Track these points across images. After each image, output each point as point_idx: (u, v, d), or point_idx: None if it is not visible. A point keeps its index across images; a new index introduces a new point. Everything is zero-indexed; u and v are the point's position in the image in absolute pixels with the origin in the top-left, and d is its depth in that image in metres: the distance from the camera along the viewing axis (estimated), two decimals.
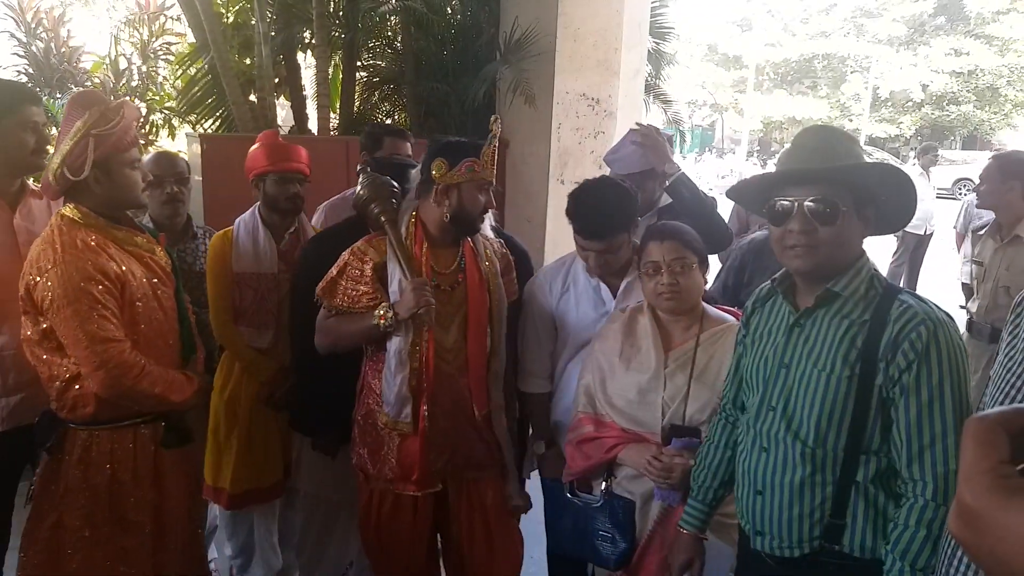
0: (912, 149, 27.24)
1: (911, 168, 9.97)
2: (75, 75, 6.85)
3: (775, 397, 1.63)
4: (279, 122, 5.85)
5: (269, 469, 2.77)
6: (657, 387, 2.05)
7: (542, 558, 2.59)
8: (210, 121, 5.79)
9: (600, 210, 2.22)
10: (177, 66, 6.79)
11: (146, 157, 2.89)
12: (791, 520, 1.59)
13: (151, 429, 2.09)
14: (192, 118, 5.96)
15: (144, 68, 7.05)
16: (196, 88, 5.78)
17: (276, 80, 5.64)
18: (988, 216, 3.96)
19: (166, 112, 6.95)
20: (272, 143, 2.74)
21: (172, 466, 2.14)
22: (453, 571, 2.43)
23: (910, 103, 30.41)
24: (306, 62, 6.41)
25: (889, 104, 31.04)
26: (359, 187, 2.32)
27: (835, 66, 32.60)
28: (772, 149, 33.46)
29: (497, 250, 2.37)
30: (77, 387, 1.95)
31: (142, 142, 6.36)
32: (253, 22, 5.42)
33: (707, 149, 33.60)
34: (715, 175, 22.12)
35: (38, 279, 1.89)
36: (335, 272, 2.20)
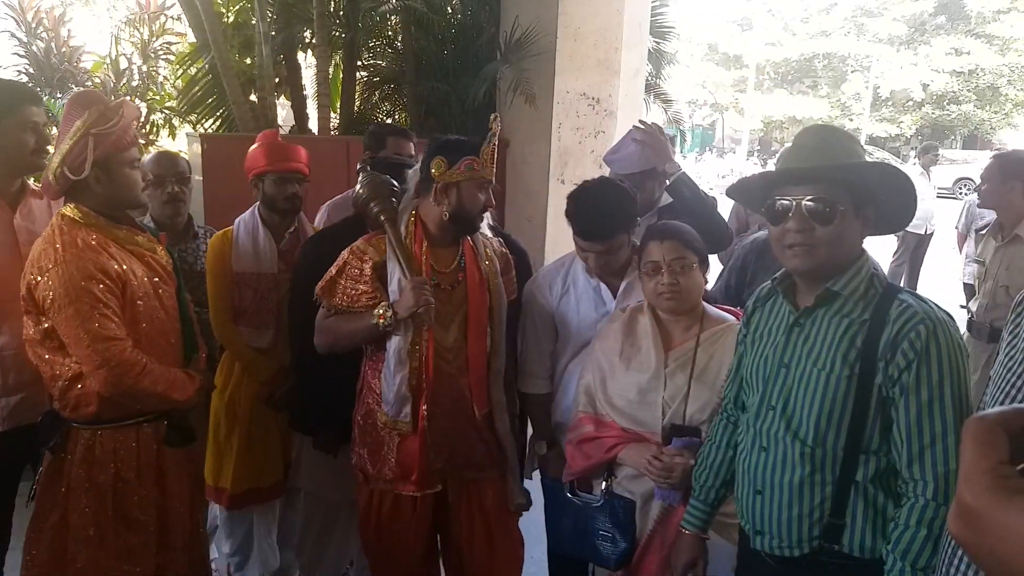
0: (912, 148, 27.22)
1: (911, 168, 9.97)
2: (76, 75, 6.84)
3: (775, 396, 1.63)
4: (279, 122, 5.85)
5: (269, 469, 2.78)
6: (657, 387, 2.05)
7: (542, 558, 2.59)
8: (210, 121, 5.79)
9: (599, 211, 2.22)
10: (177, 66, 6.78)
11: (147, 157, 2.90)
12: (791, 520, 1.59)
13: (154, 428, 2.09)
14: (192, 118, 5.96)
15: (144, 68, 7.05)
16: (196, 88, 5.78)
17: (276, 80, 5.64)
18: (991, 216, 3.96)
19: (166, 112, 6.95)
20: (271, 143, 2.74)
21: (175, 465, 2.15)
22: (453, 572, 2.43)
23: (911, 102, 30.41)
24: (306, 62, 6.41)
25: (890, 103, 31.04)
26: (359, 186, 2.32)
27: (836, 65, 32.59)
28: (772, 149, 33.44)
29: (497, 249, 2.37)
30: (79, 386, 1.96)
31: (142, 142, 6.36)
32: (253, 22, 5.42)
33: (707, 149, 33.58)
34: (715, 175, 22.12)
35: (39, 278, 1.90)
36: (334, 271, 2.19)
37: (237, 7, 5.92)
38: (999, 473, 0.52)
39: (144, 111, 6.68)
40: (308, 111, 6.11)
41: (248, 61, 5.73)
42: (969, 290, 4.51)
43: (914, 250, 8.20)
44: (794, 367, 1.60)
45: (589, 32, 4.70)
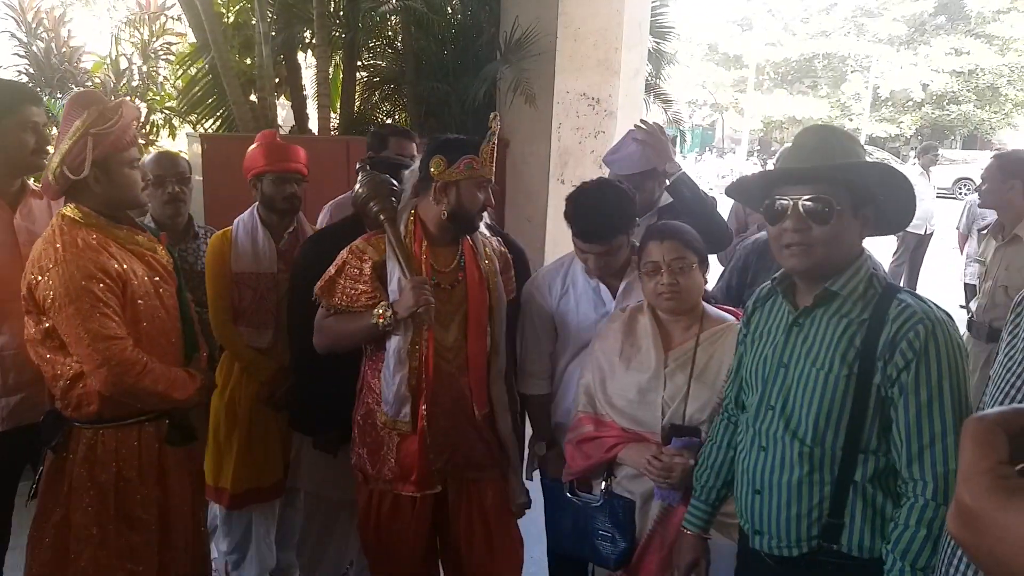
0: (912, 149, 27.23)
1: (911, 168, 9.98)
2: (76, 75, 6.84)
3: (774, 396, 1.63)
4: (280, 122, 5.84)
5: (269, 469, 2.78)
6: (657, 387, 2.05)
7: (542, 558, 2.59)
8: (210, 121, 5.79)
9: (598, 212, 2.21)
10: (178, 66, 6.78)
11: (147, 157, 2.90)
12: (789, 519, 1.59)
13: (155, 427, 2.10)
14: (192, 118, 5.96)
15: (145, 68, 7.04)
16: (197, 88, 5.78)
17: (276, 80, 5.64)
18: (993, 216, 3.97)
19: (167, 112, 6.94)
20: (270, 143, 2.74)
21: (176, 464, 2.15)
22: (452, 572, 2.42)
23: (910, 102, 30.41)
24: (306, 62, 6.41)
25: (889, 104, 31.04)
26: (358, 185, 2.31)
27: (835, 65, 32.59)
28: (772, 149, 33.41)
29: (496, 248, 2.36)
30: (81, 386, 1.96)
31: (142, 142, 6.36)
32: (253, 22, 5.42)
33: (707, 149, 33.58)
34: (715, 175, 22.12)
35: (40, 278, 1.90)
36: (333, 271, 2.19)
37: (237, 7, 5.92)
38: (998, 473, 0.52)
39: (144, 111, 6.68)
40: (308, 111, 6.11)
41: (248, 61, 5.73)
42: (970, 290, 4.52)
43: (914, 250, 8.21)
44: (793, 367, 1.60)
45: (589, 32, 4.70)
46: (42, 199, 2.36)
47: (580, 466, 2.17)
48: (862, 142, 1.73)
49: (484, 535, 2.32)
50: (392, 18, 6.07)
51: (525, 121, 4.84)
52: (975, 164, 20.67)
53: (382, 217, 2.19)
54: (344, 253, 2.20)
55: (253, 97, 5.47)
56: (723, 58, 34.19)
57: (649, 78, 6.08)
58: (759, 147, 35.78)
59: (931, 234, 8.22)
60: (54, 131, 2.51)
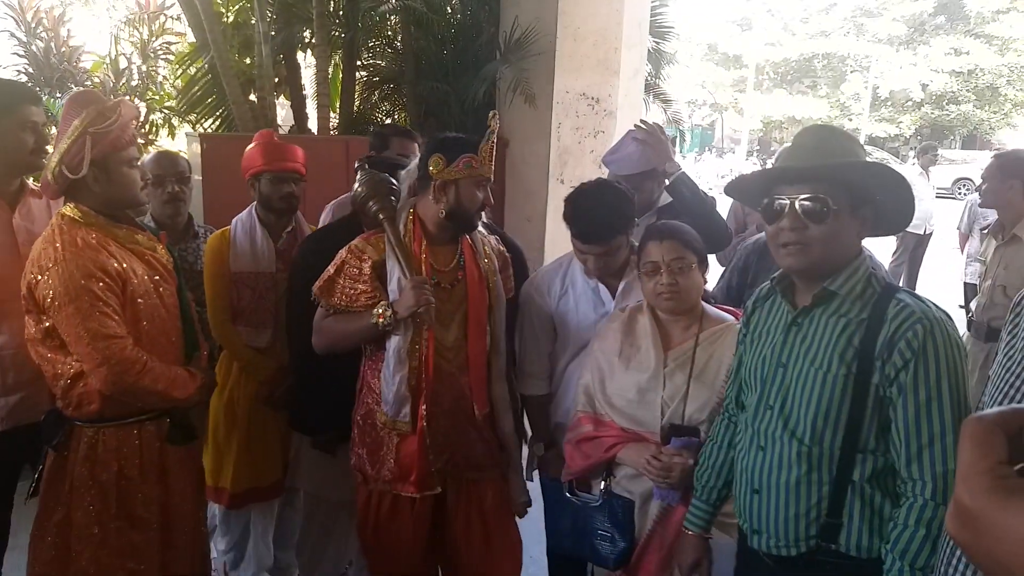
0: (912, 149, 27.26)
1: (911, 168, 9.98)
2: (75, 75, 6.83)
3: (773, 396, 1.63)
4: (279, 121, 5.85)
5: (268, 468, 2.78)
6: (656, 386, 2.05)
7: (542, 557, 2.59)
8: (210, 121, 5.79)
9: (597, 213, 2.21)
10: (177, 65, 6.78)
11: (147, 156, 2.91)
12: (787, 519, 1.59)
13: (156, 425, 2.10)
14: (192, 118, 5.96)
15: (144, 68, 7.04)
16: (196, 88, 5.78)
17: (276, 80, 5.64)
18: (996, 215, 3.98)
19: (166, 112, 6.95)
20: (267, 142, 2.74)
21: (177, 462, 2.15)
22: (450, 573, 2.42)
23: (910, 103, 30.42)
24: (306, 61, 6.41)
25: (889, 104, 31.05)
26: (357, 185, 2.30)
27: (835, 65, 32.60)
28: (772, 149, 33.41)
29: (494, 247, 2.36)
30: (82, 385, 1.96)
31: (141, 142, 6.36)
32: (253, 21, 5.42)
33: (707, 149, 33.60)
34: (715, 175, 22.12)
35: (39, 277, 1.90)
36: (332, 271, 2.17)
37: (237, 7, 5.92)
38: (997, 474, 0.52)
39: (143, 111, 6.68)
40: (308, 111, 6.11)
41: (248, 61, 5.73)
42: (971, 289, 4.52)
43: (913, 250, 8.21)
44: (792, 366, 1.60)
45: (589, 32, 4.70)
46: (41, 199, 2.36)
47: (579, 466, 2.17)
48: (861, 142, 1.73)
49: (483, 535, 2.31)
50: (392, 18, 6.08)
51: (525, 121, 4.85)
52: (974, 164, 20.68)
53: (381, 216, 2.18)
54: (343, 253, 2.18)
55: (252, 97, 5.47)
56: (723, 58, 34.19)
57: (649, 78, 6.08)
58: (758, 147, 35.80)
59: (930, 234, 8.23)
60: (53, 131, 2.51)
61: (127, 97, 6.36)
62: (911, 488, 1.46)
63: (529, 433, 2.57)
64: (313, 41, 5.67)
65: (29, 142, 2.26)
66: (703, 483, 1.89)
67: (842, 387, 1.52)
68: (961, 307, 5.87)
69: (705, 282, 2.14)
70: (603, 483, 2.15)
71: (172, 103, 6.87)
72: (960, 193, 20.84)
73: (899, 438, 1.47)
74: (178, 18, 6.91)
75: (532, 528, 2.54)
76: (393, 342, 2.13)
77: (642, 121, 2.88)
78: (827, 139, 1.62)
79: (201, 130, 5.75)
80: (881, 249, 3.76)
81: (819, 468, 1.55)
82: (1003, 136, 30.56)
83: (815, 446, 1.55)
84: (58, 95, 6.12)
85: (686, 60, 28.05)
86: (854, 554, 1.54)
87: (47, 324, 1.94)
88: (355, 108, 6.01)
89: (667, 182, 2.75)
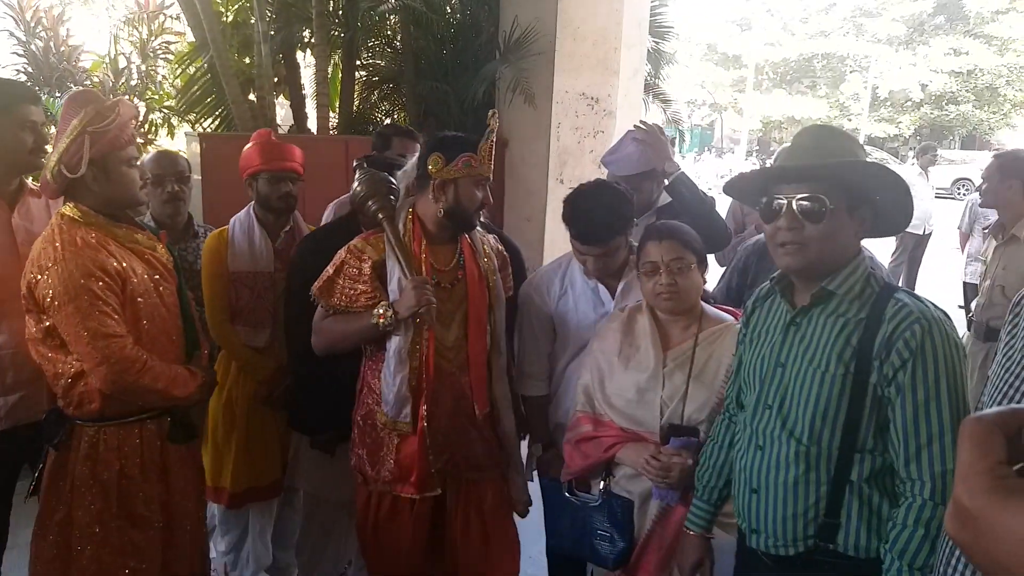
0: (911, 149, 27.27)
1: (910, 168, 9.97)
2: (74, 74, 6.82)
3: (771, 395, 1.63)
4: (278, 121, 5.85)
5: (268, 468, 2.78)
6: (656, 386, 2.05)
7: (541, 558, 2.59)
8: (209, 120, 5.79)
9: (596, 214, 2.21)
10: (176, 65, 6.78)
11: (147, 156, 2.90)
12: (785, 518, 1.59)
13: (157, 424, 2.10)
14: (191, 117, 5.96)
15: (143, 67, 7.04)
16: (195, 87, 5.78)
17: (275, 79, 5.64)
18: (996, 215, 3.99)
19: (165, 111, 6.94)
20: (265, 142, 2.73)
21: (178, 461, 2.15)
22: (448, 573, 2.41)
23: (909, 103, 30.43)
24: (305, 61, 6.41)
25: (888, 104, 31.06)
26: (356, 184, 2.29)
27: (834, 66, 32.61)
28: (771, 149, 33.41)
29: (493, 246, 2.36)
30: (82, 384, 1.96)
31: (141, 141, 6.35)
32: (252, 21, 5.42)
33: (706, 149, 33.59)
34: (714, 175, 22.11)
35: (39, 277, 1.90)
36: (332, 271, 2.16)
37: (236, 6, 5.92)
38: (996, 474, 0.52)
39: (143, 110, 6.67)
40: (307, 110, 6.11)
41: (247, 60, 5.73)
42: (971, 289, 4.51)
43: (912, 250, 8.22)
44: (790, 366, 1.60)
45: (588, 32, 4.70)
46: (40, 198, 2.36)
47: (579, 466, 2.17)
48: (861, 142, 1.73)
49: (481, 536, 2.30)
50: (391, 17, 6.08)
51: (524, 121, 4.85)
52: (974, 164, 20.72)
53: (380, 216, 2.17)
54: (342, 253, 2.17)
55: (252, 96, 5.47)
56: (722, 58, 34.21)
57: (648, 78, 6.08)
58: (758, 147, 35.81)
59: (930, 234, 8.24)
60: (52, 130, 2.51)
61: (126, 96, 6.35)
62: (910, 488, 1.46)
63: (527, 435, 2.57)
64: (312, 41, 5.67)
65: (28, 141, 2.26)
66: (704, 483, 1.89)
67: (840, 387, 1.52)
68: (960, 307, 5.87)
69: (704, 282, 2.14)
70: (602, 483, 2.15)
71: (171, 102, 6.87)
72: (959, 193, 20.86)
73: (897, 438, 1.47)
74: (177, 17, 6.91)
75: (532, 528, 2.54)
76: (393, 342, 2.12)
77: (641, 122, 2.88)
78: (826, 139, 1.62)
79: (200, 130, 5.75)
80: (880, 249, 3.76)
81: (817, 468, 1.55)
82: (1002, 136, 30.57)
83: (813, 446, 1.55)
84: (57, 94, 6.12)
85: (685, 60, 28.08)
86: (852, 554, 1.54)
87: (47, 324, 1.94)
88: (354, 108, 6.01)
89: (666, 182, 2.75)
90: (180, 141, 6.85)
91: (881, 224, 1.62)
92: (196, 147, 4.60)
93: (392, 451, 2.19)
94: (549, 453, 2.43)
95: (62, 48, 6.88)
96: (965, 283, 5.65)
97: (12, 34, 6.78)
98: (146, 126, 6.70)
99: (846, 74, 31.85)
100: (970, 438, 0.54)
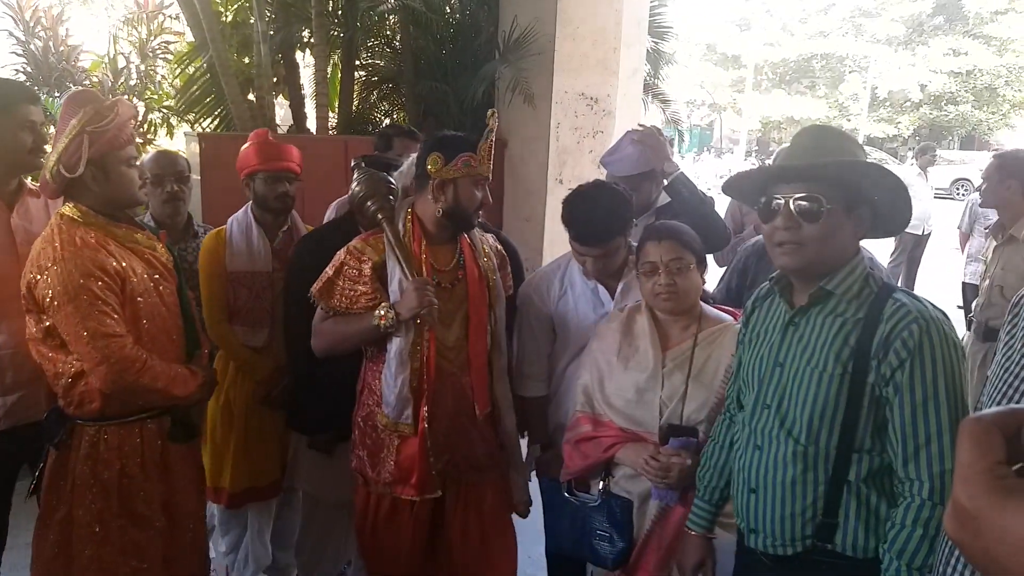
0: (910, 149, 27.29)
1: (909, 168, 9.98)
2: (74, 74, 6.82)
3: (769, 395, 1.63)
4: (278, 121, 5.84)
5: (267, 468, 2.77)
6: (655, 386, 2.05)
7: (540, 558, 2.59)
8: (208, 120, 5.79)
9: (595, 215, 2.21)
10: (176, 65, 6.78)
11: (146, 156, 2.90)
12: (783, 518, 1.60)
13: (157, 424, 2.10)
14: (190, 117, 5.96)
15: (143, 67, 7.03)
16: (195, 87, 5.78)
17: (275, 79, 5.64)
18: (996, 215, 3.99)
19: (164, 111, 6.94)
20: (262, 142, 2.73)
21: (179, 460, 2.15)
22: (446, 572, 2.41)
23: (908, 103, 30.44)
24: (305, 61, 6.41)
25: (887, 104, 31.08)
26: (354, 184, 2.28)
27: (833, 66, 32.63)
28: (770, 149, 33.41)
29: (492, 245, 2.35)
30: (83, 384, 1.96)
31: (140, 141, 6.35)
32: (252, 21, 5.42)
33: (705, 149, 33.60)
34: (713, 175, 22.11)
35: (39, 277, 1.90)
36: (331, 272, 2.15)
37: (235, 6, 5.92)
38: (996, 474, 0.52)
39: (142, 110, 6.67)
40: (306, 110, 6.11)
41: (246, 60, 5.73)
42: (970, 289, 4.51)
43: (911, 250, 8.23)
44: (788, 366, 1.60)
45: (587, 32, 4.71)
46: (39, 198, 2.36)
47: (578, 466, 2.17)
48: (860, 142, 1.73)
49: (480, 537, 2.30)
50: (390, 17, 6.08)
51: (524, 121, 4.85)
52: (973, 165, 20.73)
53: (380, 217, 2.17)
54: (341, 254, 2.16)
55: (251, 96, 5.47)
56: (721, 58, 34.22)
57: (647, 78, 6.09)
58: (757, 147, 35.83)
59: (929, 234, 8.24)
60: (52, 130, 2.51)
61: (125, 96, 6.35)
62: (908, 488, 1.46)
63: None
64: (312, 40, 5.67)
65: (27, 141, 2.26)
66: (705, 483, 1.89)
67: (838, 386, 1.52)
68: (959, 307, 5.87)
69: (704, 282, 2.14)
70: (602, 483, 2.15)
71: (171, 102, 6.86)
72: (958, 194, 20.88)
73: (896, 438, 1.47)
74: (176, 17, 6.90)
75: (531, 528, 2.54)
76: (395, 344, 2.11)
77: (640, 125, 2.88)
78: (825, 139, 1.62)
79: (199, 129, 5.75)
80: (880, 250, 3.77)
81: (815, 468, 1.55)
82: (1001, 136, 30.59)
83: (811, 445, 1.55)
84: (56, 94, 6.11)
85: (685, 60, 28.09)
86: (850, 554, 1.55)
87: (47, 323, 1.94)
88: (354, 108, 6.01)
89: (666, 182, 2.75)
90: (179, 141, 6.85)
91: (880, 225, 1.62)
92: (195, 147, 4.60)
93: (393, 452, 2.18)
94: (548, 454, 2.43)
95: (61, 48, 6.87)
96: (964, 283, 5.65)
97: (11, 34, 6.77)
98: (145, 126, 6.69)
99: (845, 74, 31.87)
100: (969, 438, 0.54)
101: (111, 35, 7.26)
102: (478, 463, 2.27)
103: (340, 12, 5.67)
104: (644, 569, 2.08)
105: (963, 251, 6.07)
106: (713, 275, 2.49)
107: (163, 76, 7.27)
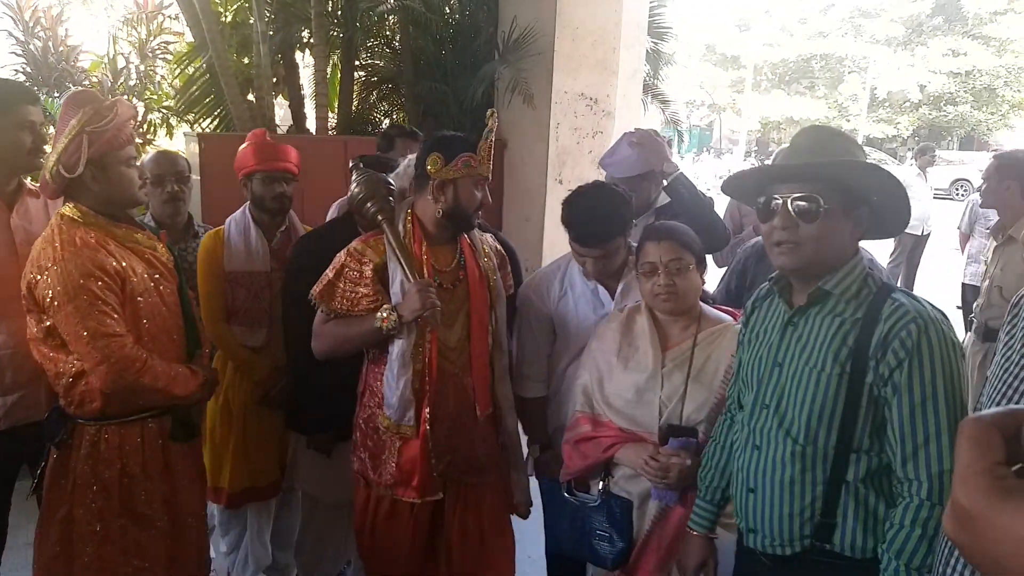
0: (909, 150, 27.29)
1: (908, 168, 9.99)
2: (73, 74, 6.81)
3: (768, 395, 1.63)
4: (277, 121, 5.84)
5: (266, 468, 2.77)
6: (655, 387, 2.05)
7: (540, 558, 2.59)
8: (208, 120, 5.79)
9: (595, 217, 2.21)
10: (175, 65, 6.78)
11: (146, 156, 2.90)
12: (782, 518, 1.60)
13: (159, 423, 2.10)
14: (190, 117, 5.96)
15: (142, 67, 7.03)
16: (194, 87, 5.78)
17: (274, 79, 5.64)
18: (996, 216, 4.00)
19: (164, 111, 6.93)
20: (260, 142, 2.73)
21: (180, 460, 2.16)
22: (445, 573, 2.40)
23: (907, 103, 30.46)
24: (304, 61, 6.41)
25: (886, 104, 31.09)
26: (353, 185, 2.27)
27: (833, 66, 32.64)
28: (770, 149, 33.40)
29: (492, 246, 2.35)
30: (83, 383, 1.96)
31: (139, 141, 6.34)
32: (251, 21, 5.42)
33: (705, 149, 33.60)
34: (712, 175, 22.11)
35: (39, 277, 1.90)
36: (332, 274, 2.14)
37: (235, 6, 5.92)
38: (995, 474, 0.52)
39: (141, 110, 6.66)
40: (306, 111, 6.11)
41: (246, 60, 5.73)
42: (970, 290, 4.51)
43: (911, 251, 8.23)
44: (787, 366, 1.60)
45: (587, 32, 4.71)
46: (39, 198, 2.36)
47: (578, 466, 2.17)
48: (859, 143, 1.73)
49: (478, 539, 2.29)
50: (390, 18, 6.08)
51: (523, 121, 4.85)
52: (972, 165, 20.75)
53: (380, 218, 2.16)
54: (341, 256, 2.15)
55: (251, 96, 5.47)
56: (721, 59, 34.23)
57: (647, 78, 6.09)
58: (756, 147, 35.83)
59: (928, 235, 8.25)
60: (51, 130, 2.50)
61: (125, 96, 6.35)
62: (907, 488, 1.46)
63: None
64: (311, 41, 5.67)
65: (27, 142, 2.26)
66: (706, 483, 1.89)
67: (836, 387, 1.52)
68: (959, 308, 5.88)
69: (703, 283, 2.14)
70: (601, 483, 2.15)
71: (170, 103, 6.86)
72: (958, 194, 20.89)
73: (895, 438, 1.47)
74: (176, 17, 6.90)
75: (531, 529, 2.54)
76: (397, 345, 2.11)
77: (637, 128, 2.88)
78: (824, 139, 1.62)
79: (199, 130, 5.75)
80: (879, 250, 3.77)
81: (813, 468, 1.56)
82: (1000, 137, 30.61)
83: (809, 445, 1.55)
84: (56, 95, 6.11)
85: (684, 61, 28.10)
86: (849, 554, 1.55)
87: (48, 323, 1.94)
88: (353, 108, 6.01)
89: (665, 183, 2.75)
90: (179, 141, 6.85)
91: (879, 226, 1.62)
92: (195, 147, 4.60)
93: (394, 455, 2.17)
94: (547, 455, 2.43)
95: (61, 48, 6.87)
96: (964, 284, 5.66)
97: (11, 34, 6.76)
98: (145, 126, 6.69)
99: (844, 75, 31.88)
100: (968, 438, 0.54)
101: (111, 35, 7.25)
102: (478, 464, 2.26)
103: (340, 12, 5.67)
104: (644, 569, 2.08)
105: (963, 252, 6.08)
106: (713, 276, 2.49)
107: (163, 76, 7.26)
